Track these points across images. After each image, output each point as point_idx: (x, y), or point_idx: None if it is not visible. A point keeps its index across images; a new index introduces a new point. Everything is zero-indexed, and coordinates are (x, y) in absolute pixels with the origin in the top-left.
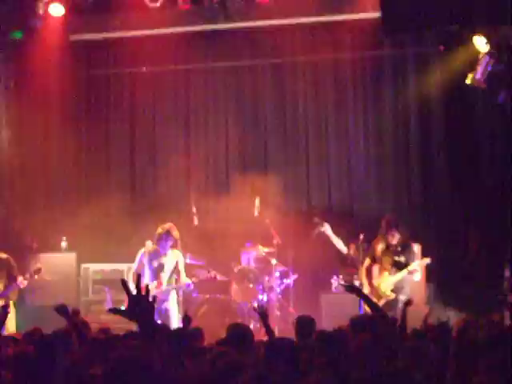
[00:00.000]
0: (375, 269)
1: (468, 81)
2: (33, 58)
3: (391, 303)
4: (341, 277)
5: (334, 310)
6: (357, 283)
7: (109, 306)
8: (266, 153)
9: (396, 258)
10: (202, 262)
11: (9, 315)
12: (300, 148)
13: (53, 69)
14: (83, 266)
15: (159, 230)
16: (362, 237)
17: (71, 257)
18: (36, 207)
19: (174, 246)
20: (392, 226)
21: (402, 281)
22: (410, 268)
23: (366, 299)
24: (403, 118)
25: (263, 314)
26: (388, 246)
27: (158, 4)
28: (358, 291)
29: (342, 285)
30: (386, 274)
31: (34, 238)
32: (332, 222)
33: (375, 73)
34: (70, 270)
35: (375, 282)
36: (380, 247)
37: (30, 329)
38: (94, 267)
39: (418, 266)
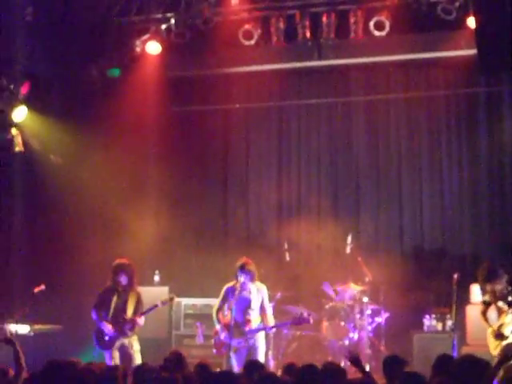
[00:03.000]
0: (491, 312)
1: None
2: (130, 95)
3: None
4: (433, 316)
5: (427, 350)
6: (449, 323)
7: (200, 340)
8: (358, 190)
9: (510, 299)
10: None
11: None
12: (393, 186)
13: (149, 105)
14: (176, 299)
15: (236, 265)
16: (456, 276)
17: (164, 290)
18: (130, 241)
19: (252, 280)
20: (492, 277)
21: None
22: None
23: None
24: (498, 156)
25: (355, 359)
26: (496, 290)
27: (252, 42)
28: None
29: None
30: (505, 315)
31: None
32: (425, 261)
33: (470, 111)
34: None
35: (495, 325)
36: (489, 291)
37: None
38: (186, 301)
39: None
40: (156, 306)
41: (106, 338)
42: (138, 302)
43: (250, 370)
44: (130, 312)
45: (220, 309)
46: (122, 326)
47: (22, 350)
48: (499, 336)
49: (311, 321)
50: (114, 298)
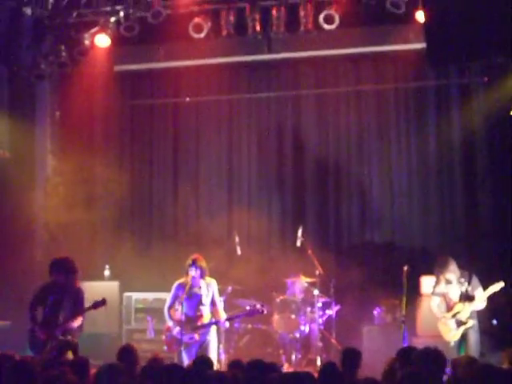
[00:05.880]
0: (441, 304)
1: None
2: (78, 88)
3: (468, 330)
4: (383, 308)
5: (376, 343)
6: (399, 315)
7: (151, 335)
8: (308, 183)
9: (463, 289)
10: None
11: None
12: (342, 179)
13: (98, 99)
14: (126, 294)
15: (187, 262)
16: (405, 268)
17: (114, 285)
18: (79, 236)
19: (203, 276)
20: (446, 267)
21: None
22: (482, 297)
23: None
24: (447, 149)
25: None
26: (449, 281)
27: (202, 35)
28: None
29: None
30: (461, 304)
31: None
32: (375, 254)
33: (419, 104)
34: (112, 299)
35: (448, 314)
36: (442, 285)
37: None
38: (136, 296)
39: (488, 292)
40: (89, 308)
41: (38, 341)
42: (77, 301)
43: (200, 365)
44: (64, 313)
45: (171, 306)
46: (54, 330)
47: None
48: (459, 323)
49: (265, 311)
50: (50, 298)
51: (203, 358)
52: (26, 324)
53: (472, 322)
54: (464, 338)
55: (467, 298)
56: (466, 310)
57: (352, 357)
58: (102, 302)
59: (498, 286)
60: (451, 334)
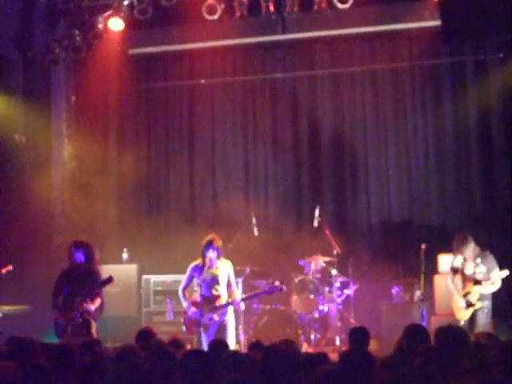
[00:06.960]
0: (458, 281)
1: None
2: (93, 72)
3: (477, 311)
4: (401, 286)
5: (395, 321)
6: (418, 293)
7: (170, 317)
8: (324, 163)
9: (477, 270)
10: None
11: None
12: (359, 158)
13: (113, 82)
14: (144, 277)
15: (203, 242)
16: (423, 247)
17: (132, 268)
18: (97, 219)
19: (219, 256)
20: (464, 244)
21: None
22: (493, 279)
23: None
24: (463, 127)
25: None
26: (466, 259)
27: (215, 16)
28: None
29: None
30: (471, 284)
31: (96, 249)
32: (392, 233)
33: (434, 81)
34: (131, 282)
35: (461, 292)
36: (458, 260)
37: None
38: (154, 278)
39: (499, 276)
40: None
41: (60, 327)
42: (94, 283)
43: (215, 349)
44: (81, 296)
45: (186, 287)
46: (71, 313)
47: None
48: (469, 304)
49: (284, 288)
50: (67, 283)
51: (218, 341)
52: (44, 308)
53: (480, 304)
54: (473, 319)
55: (476, 281)
56: (475, 292)
57: (360, 335)
58: (108, 280)
59: (503, 274)
60: (461, 313)
